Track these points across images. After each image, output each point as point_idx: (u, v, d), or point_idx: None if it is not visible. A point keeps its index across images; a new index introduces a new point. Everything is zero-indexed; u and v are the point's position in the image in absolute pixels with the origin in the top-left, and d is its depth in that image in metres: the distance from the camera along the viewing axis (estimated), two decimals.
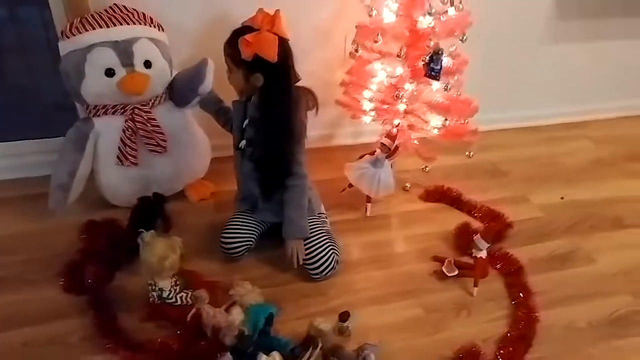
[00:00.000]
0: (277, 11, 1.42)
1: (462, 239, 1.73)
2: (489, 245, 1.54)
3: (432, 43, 1.58)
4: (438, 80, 1.63)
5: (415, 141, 1.91)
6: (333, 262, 1.55)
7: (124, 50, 1.62)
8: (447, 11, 1.63)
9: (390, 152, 1.76)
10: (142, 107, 1.69)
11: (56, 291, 1.50)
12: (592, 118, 2.61)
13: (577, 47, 2.37)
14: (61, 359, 1.33)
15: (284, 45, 1.43)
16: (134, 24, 1.67)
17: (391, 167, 1.93)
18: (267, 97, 1.47)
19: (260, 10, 1.43)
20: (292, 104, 1.48)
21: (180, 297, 1.41)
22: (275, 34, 1.40)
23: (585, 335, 1.46)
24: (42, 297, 1.48)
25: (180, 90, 1.74)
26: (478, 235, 1.54)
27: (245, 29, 1.43)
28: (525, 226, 1.86)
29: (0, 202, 1.86)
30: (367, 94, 1.84)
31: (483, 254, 1.55)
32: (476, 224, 1.84)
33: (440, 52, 1.59)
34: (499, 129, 2.46)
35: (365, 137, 2.21)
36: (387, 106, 1.82)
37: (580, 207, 1.99)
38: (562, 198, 2.04)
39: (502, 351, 1.36)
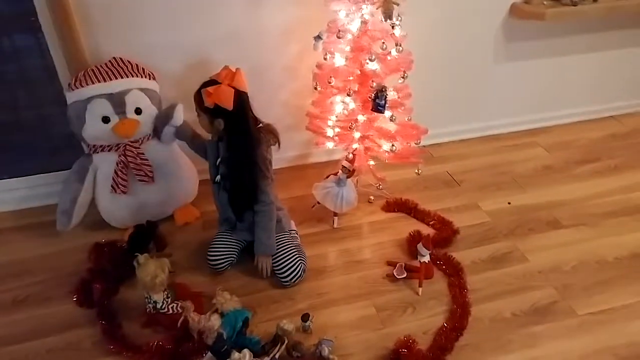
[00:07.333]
0: (238, 69, 1.68)
1: (413, 245, 1.93)
2: (429, 252, 1.80)
3: (374, 84, 1.83)
4: (383, 113, 1.89)
5: (372, 162, 2.17)
6: (300, 272, 1.81)
7: (118, 100, 1.87)
8: (390, 52, 1.89)
9: (349, 172, 2.02)
10: (132, 144, 1.95)
11: (71, 306, 1.76)
12: (544, 126, 2.81)
13: (527, 63, 2.59)
14: None
15: (240, 97, 1.66)
16: (127, 76, 1.92)
17: (356, 183, 2.20)
18: (230, 139, 1.72)
19: (225, 67, 1.69)
20: (253, 144, 1.72)
21: (171, 307, 1.66)
22: (234, 87, 1.65)
23: (508, 324, 1.68)
24: (59, 311, 1.75)
25: (156, 125, 1.99)
26: (420, 243, 1.81)
27: (210, 82, 1.68)
28: (472, 231, 2.08)
29: (19, 229, 2.12)
30: (329, 122, 2.09)
31: (426, 259, 1.81)
32: (427, 231, 2.05)
33: (383, 90, 1.85)
34: (457, 140, 2.68)
35: (337, 155, 2.40)
36: (347, 132, 2.08)
37: (523, 212, 2.19)
38: (509, 203, 2.25)
39: (436, 340, 1.62)
